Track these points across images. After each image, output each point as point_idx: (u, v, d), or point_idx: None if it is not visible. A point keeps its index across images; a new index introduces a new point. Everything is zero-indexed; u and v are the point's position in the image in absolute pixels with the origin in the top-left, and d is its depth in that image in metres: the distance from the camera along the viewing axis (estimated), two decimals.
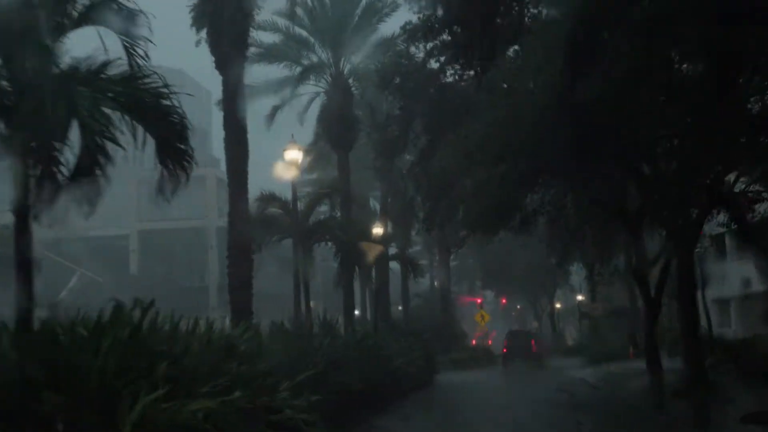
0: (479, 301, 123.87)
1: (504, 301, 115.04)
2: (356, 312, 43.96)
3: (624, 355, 45.49)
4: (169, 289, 66.78)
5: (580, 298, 71.70)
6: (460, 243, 26.72)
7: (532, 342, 51.06)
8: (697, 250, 32.59)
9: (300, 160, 20.89)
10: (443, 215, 25.37)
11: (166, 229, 64.07)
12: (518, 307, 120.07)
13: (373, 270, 34.34)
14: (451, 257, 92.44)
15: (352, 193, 46.76)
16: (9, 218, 9.08)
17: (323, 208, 34.81)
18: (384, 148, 23.37)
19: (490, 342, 75.13)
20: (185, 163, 9.67)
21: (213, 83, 21.66)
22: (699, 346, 22.49)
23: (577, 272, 77.92)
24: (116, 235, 68.54)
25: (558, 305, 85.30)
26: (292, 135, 21.99)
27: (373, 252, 31.43)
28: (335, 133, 28.64)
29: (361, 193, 46.23)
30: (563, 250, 34.87)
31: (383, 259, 37.49)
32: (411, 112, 22.06)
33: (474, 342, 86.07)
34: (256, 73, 28.32)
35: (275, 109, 29.19)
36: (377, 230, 34.17)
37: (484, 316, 53.45)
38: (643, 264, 27.97)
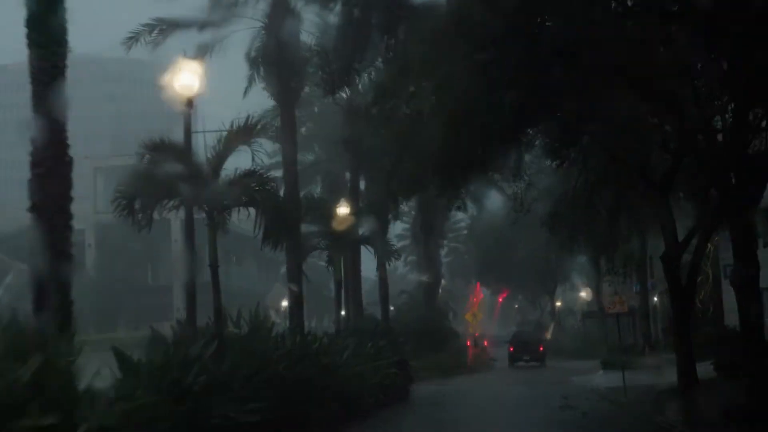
0: (476, 299, 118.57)
1: (501, 299, 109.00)
2: (344, 312, 37.84)
3: (638, 359, 39.27)
4: (128, 289, 60.57)
5: (582, 295, 65.35)
6: (410, 192, 20.26)
7: (539, 342, 52.50)
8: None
9: (198, 86, 14.71)
10: (410, 171, 19.11)
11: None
12: (516, 306, 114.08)
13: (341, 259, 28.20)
14: (444, 252, 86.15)
15: (331, 174, 40.57)
16: None
17: None
18: (327, 81, 17.37)
19: (486, 343, 69.84)
20: None
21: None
22: (765, 353, 16.21)
23: (578, 269, 71.66)
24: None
25: (558, 303, 78.93)
26: (184, 51, 15.94)
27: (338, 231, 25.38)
28: (276, 79, 22.41)
29: (339, 174, 39.89)
30: (568, 233, 28.57)
31: (352, 245, 31.28)
32: (361, 27, 15.93)
33: (469, 343, 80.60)
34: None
35: (203, 50, 22.96)
36: (343, 210, 28.01)
37: (477, 314, 47.08)
38: (673, 245, 21.72)
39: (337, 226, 26.74)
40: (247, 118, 15.85)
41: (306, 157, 43.83)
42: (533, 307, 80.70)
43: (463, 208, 23.89)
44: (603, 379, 31.31)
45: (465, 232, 72.60)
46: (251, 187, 15.85)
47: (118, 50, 23.34)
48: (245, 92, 23.54)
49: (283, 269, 64.48)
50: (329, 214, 26.16)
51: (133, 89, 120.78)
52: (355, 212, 28.99)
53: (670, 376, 26.96)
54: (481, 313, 48.23)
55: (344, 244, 27.43)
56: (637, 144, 20.21)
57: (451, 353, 44.89)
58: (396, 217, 39.72)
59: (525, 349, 49.34)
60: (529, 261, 62.07)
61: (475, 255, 69.29)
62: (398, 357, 26.43)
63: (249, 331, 15.41)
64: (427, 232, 46.15)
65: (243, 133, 15.73)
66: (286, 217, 18.14)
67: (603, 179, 23.52)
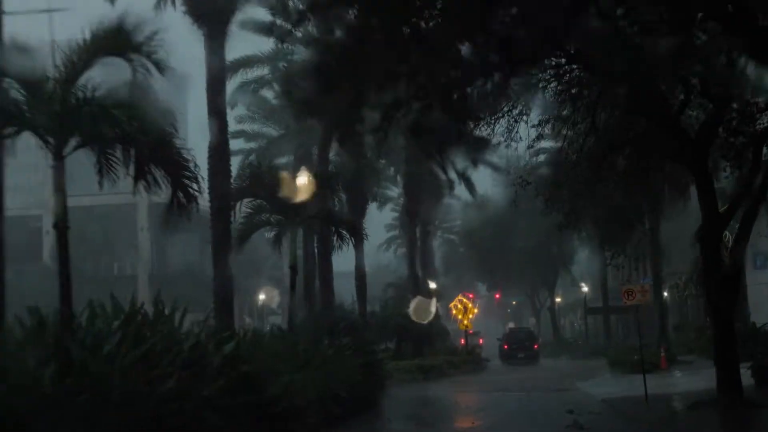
0: (471, 295, 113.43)
1: (498, 296, 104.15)
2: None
3: (653, 362, 34.50)
4: (89, 279, 55.58)
5: (585, 289, 60.56)
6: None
7: (534, 340, 51.53)
8: None
9: None
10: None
11: (88, 206, 52.44)
12: (514, 303, 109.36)
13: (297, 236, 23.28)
14: (437, 243, 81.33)
15: None
16: None
17: None
18: None
19: (480, 341, 65.09)
20: None
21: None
22: None
23: (580, 261, 66.82)
24: (27, 215, 57.46)
25: (558, 299, 73.93)
26: None
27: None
28: None
29: (313, 147, 34.78)
30: (570, 207, 23.40)
31: (321, 226, 26.42)
32: None
33: (463, 341, 76.15)
34: None
35: None
36: (302, 180, 23.06)
37: (468, 307, 42.10)
38: (713, 219, 16.80)
39: (293, 198, 21.80)
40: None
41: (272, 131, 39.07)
42: (531, 303, 75.78)
43: (448, 176, 19.03)
44: (614, 385, 26.51)
45: (459, 221, 67.68)
46: (108, 108, 10.86)
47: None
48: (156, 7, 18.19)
49: (269, 260, 59.48)
50: (281, 184, 21.24)
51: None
52: (321, 185, 24.05)
53: (693, 383, 22.31)
54: (475, 308, 43.14)
55: (304, 222, 22.56)
56: (671, 83, 15.39)
57: (439, 353, 40.05)
58: (375, 198, 34.93)
59: (520, 347, 48.78)
60: (526, 251, 57.26)
61: (468, 245, 64.28)
62: (367, 357, 21.61)
63: (119, 327, 10.61)
64: (413, 215, 41.29)
65: (112, 38, 10.85)
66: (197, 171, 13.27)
67: (617, 137, 18.72)
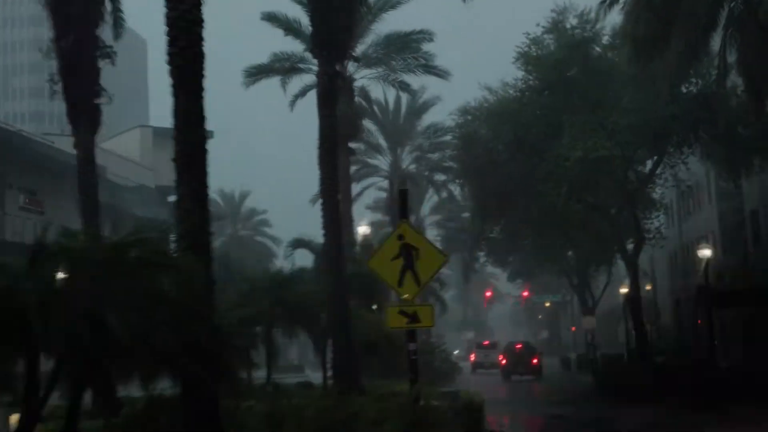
0: (489, 293, 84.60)
1: (526, 294, 75.48)
2: None
3: None
4: None
5: (706, 252, 30.06)
6: None
7: (533, 353, 45.26)
8: None
9: None
10: None
11: None
12: (547, 304, 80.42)
13: None
14: (431, 203, 51.79)
15: None
16: None
17: None
18: None
19: (502, 359, 45.09)
20: None
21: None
22: None
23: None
24: None
25: (624, 290, 43.42)
26: None
27: None
28: None
29: None
30: None
31: None
32: None
33: (473, 357, 54.15)
34: None
35: None
36: None
37: (418, 248, 11.59)
38: None
39: None
40: None
41: None
42: (579, 296, 46.75)
43: None
44: None
45: (451, 135, 36.92)
46: None
47: None
48: None
49: None
50: None
51: None
52: None
53: None
54: (443, 254, 12.43)
55: None
56: None
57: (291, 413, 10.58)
58: None
59: (518, 361, 43.22)
60: (575, 182, 27.74)
61: (467, 172, 33.76)
62: None
63: None
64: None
65: None
66: None
67: None
